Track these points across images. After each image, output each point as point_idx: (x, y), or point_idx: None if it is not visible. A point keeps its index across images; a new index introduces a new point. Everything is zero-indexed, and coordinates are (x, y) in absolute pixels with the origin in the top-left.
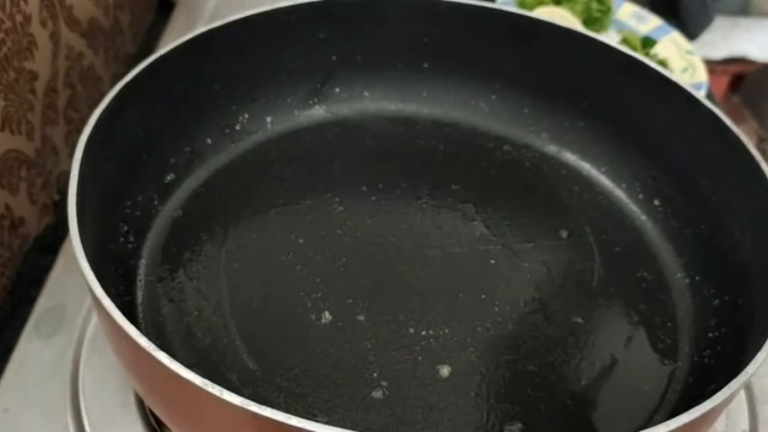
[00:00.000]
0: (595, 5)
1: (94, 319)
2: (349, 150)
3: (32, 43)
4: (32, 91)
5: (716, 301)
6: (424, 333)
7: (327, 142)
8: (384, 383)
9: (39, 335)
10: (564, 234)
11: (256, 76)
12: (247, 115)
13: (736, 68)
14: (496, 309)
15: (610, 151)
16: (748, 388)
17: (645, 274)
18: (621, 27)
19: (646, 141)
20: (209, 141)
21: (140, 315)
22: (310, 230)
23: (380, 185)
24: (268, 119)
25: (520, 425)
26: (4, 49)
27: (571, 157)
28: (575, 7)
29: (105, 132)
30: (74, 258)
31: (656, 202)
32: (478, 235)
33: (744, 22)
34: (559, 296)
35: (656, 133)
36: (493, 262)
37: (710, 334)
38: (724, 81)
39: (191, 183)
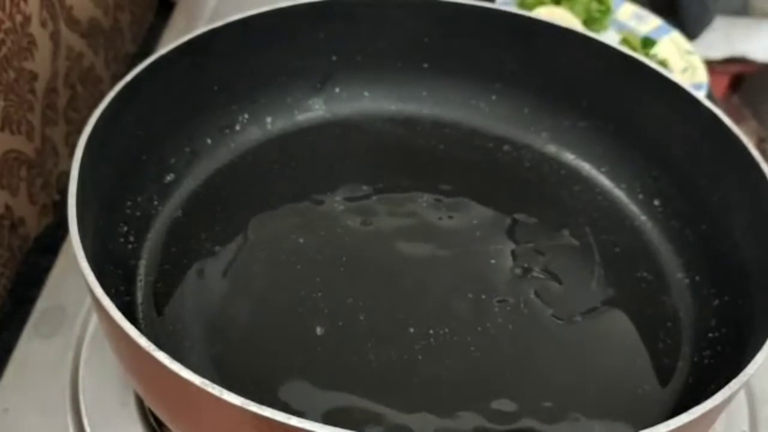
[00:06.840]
0: (595, 5)
1: (94, 319)
2: (349, 150)
3: (32, 43)
4: (32, 91)
5: (716, 301)
6: (424, 333)
7: (327, 142)
8: (383, 383)
9: (39, 335)
10: (564, 234)
11: (256, 76)
12: (247, 115)
13: (736, 68)
14: (496, 309)
15: (610, 151)
16: (748, 388)
17: (645, 274)
18: (621, 27)
19: (646, 141)
20: (209, 141)
21: (140, 315)
22: (310, 230)
23: (380, 185)
24: (268, 119)
25: (519, 425)
26: (4, 49)
27: (571, 157)
28: (575, 7)
29: (105, 132)
30: (74, 258)
31: (656, 202)
32: (478, 235)
33: (744, 22)
34: (559, 296)
35: (656, 133)
36: (493, 262)
37: (710, 334)
38: (724, 81)
39: (191, 183)
